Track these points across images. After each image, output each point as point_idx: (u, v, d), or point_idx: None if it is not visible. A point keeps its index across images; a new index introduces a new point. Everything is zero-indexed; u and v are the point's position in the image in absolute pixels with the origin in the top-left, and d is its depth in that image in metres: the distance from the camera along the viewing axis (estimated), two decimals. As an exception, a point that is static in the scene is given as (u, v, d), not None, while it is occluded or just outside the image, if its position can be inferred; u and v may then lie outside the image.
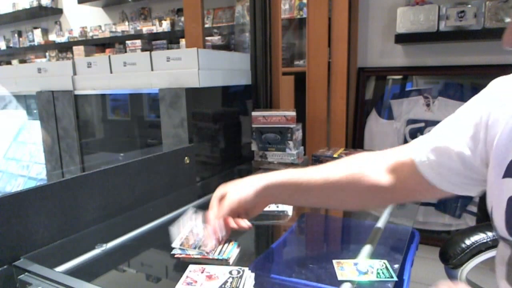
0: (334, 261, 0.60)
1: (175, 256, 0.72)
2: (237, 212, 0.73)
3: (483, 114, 0.60)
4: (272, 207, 0.96)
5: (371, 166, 0.72)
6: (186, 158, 1.19)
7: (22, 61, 4.20)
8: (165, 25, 3.03)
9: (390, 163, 0.72)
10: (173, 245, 0.74)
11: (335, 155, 1.35)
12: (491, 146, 0.58)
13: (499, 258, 0.63)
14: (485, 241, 0.99)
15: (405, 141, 1.80)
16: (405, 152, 0.70)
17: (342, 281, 0.55)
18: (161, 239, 0.89)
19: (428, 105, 1.74)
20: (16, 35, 4.18)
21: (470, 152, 0.60)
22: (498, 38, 1.70)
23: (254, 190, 0.72)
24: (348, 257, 0.70)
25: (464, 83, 1.67)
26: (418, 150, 0.67)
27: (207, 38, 2.65)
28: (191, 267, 0.65)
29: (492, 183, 0.59)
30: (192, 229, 0.76)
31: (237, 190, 0.73)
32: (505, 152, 0.56)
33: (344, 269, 0.58)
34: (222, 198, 0.74)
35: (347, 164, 0.75)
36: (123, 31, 3.28)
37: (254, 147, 1.44)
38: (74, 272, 0.69)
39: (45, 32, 4.00)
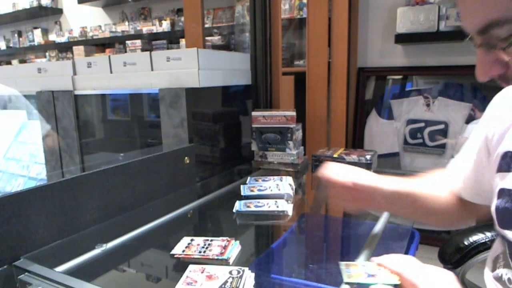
0: (342, 263, 0.59)
1: (175, 256, 0.72)
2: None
3: (488, 131, 0.63)
4: (272, 207, 0.96)
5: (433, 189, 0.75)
6: (186, 158, 1.19)
7: (22, 61, 4.20)
8: (165, 25, 3.03)
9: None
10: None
11: (335, 155, 1.35)
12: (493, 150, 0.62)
13: (490, 255, 0.66)
14: (484, 241, 0.99)
15: (405, 141, 1.80)
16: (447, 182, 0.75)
17: (348, 283, 0.55)
18: (161, 239, 0.89)
19: (428, 105, 1.74)
20: (16, 35, 4.18)
21: (486, 164, 0.64)
22: (498, 38, 1.67)
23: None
24: (348, 257, 0.70)
25: (464, 83, 1.67)
26: (454, 180, 0.73)
27: (207, 38, 2.65)
28: (191, 267, 0.65)
29: (490, 180, 0.62)
30: None
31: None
32: (497, 149, 0.59)
33: (351, 271, 0.57)
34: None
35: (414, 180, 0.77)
36: (123, 31, 3.28)
37: (254, 147, 1.45)
38: (74, 272, 0.69)
39: (45, 32, 4.00)
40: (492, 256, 0.65)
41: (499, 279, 0.60)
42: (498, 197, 0.58)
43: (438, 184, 0.76)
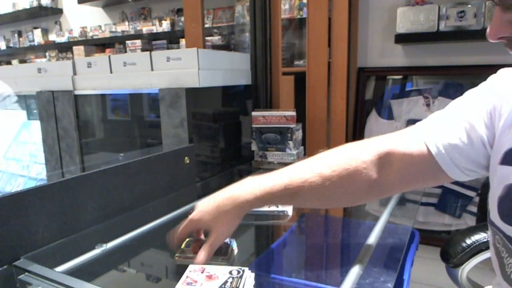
0: None
1: (175, 257, 0.72)
2: None
3: (496, 102, 0.61)
4: (272, 207, 0.96)
5: (361, 158, 0.66)
6: (186, 158, 1.19)
7: (22, 61, 4.20)
8: (165, 25, 3.03)
9: (382, 153, 0.67)
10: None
11: (335, 155, 1.34)
12: (497, 133, 0.60)
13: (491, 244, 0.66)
14: (485, 240, 0.99)
15: (405, 141, 1.80)
16: (403, 140, 0.67)
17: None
18: (161, 239, 0.89)
19: (428, 105, 1.74)
20: (16, 35, 4.18)
21: (486, 138, 0.61)
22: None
23: (236, 224, 0.69)
24: (348, 257, 0.70)
25: (464, 83, 1.67)
26: (433, 139, 0.64)
27: (207, 38, 2.65)
28: (191, 267, 0.65)
29: (491, 168, 0.62)
30: None
31: (222, 233, 0.68)
32: (503, 140, 0.58)
33: None
34: (199, 232, 0.72)
35: (335, 159, 0.68)
36: (123, 31, 3.28)
37: (254, 147, 1.44)
38: (74, 272, 0.69)
39: (45, 32, 4.00)
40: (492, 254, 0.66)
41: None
42: (503, 192, 0.57)
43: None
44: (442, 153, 0.63)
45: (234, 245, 0.74)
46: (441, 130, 0.65)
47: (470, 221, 1.67)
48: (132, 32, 3.20)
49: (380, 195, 0.70)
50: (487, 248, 0.99)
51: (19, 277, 0.68)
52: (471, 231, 1.04)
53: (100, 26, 3.52)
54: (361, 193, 0.68)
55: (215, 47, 2.70)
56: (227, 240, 0.75)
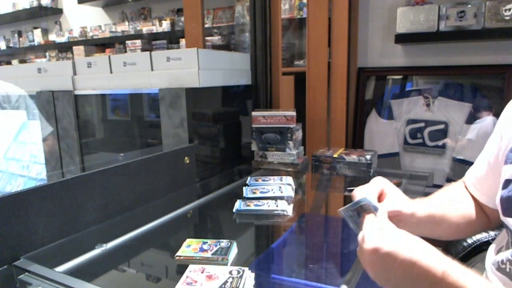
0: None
1: (175, 256, 0.72)
2: None
3: (503, 132, 0.68)
4: (272, 207, 0.96)
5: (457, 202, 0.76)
6: (186, 158, 1.19)
7: (22, 61, 4.20)
8: (165, 25, 3.03)
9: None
10: None
11: (335, 155, 1.35)
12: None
13: (494, 247, 0.69)
14: (487, 239, 0.99)
15: (405, 141, 1.80)
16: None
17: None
18: (161, 239, 0.89)
19: (428, 105, 1.74)
20: (16, 35, 4.18)
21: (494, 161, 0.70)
22: (498, 38, 1.70)
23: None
24: (348, 257, 0.70)
25: (464, 83, 1.67)
26: (466, 177, 0.78)
27: (207, 38, 2.65)
28: (191, 267, 0.65)
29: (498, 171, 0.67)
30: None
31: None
32: (507, 143, 0.64)
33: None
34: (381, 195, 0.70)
35: (441, 199, 0.77)
36: (123, 31, 3.28)
37: (254, 147, 1.44)
38: (74, 272, 0.69)
39: (45, 32, 4.00)
40: (495, 249, 0.67)
41: (500, 268, 0.61)
42: (503, 188, 0.61)
43: (460, 198, 0.77)
44: (472, 186, 0.75)
45: (234, 245, 0.74)
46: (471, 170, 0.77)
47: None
48: (132, 32, 3.20)
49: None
50: (488, 247, 1.00)
51: (19, 277, 0.68)
52: (472, 231, 1.04)
53: (100, 26, 3.52)
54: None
55: (215, 47, 2.70)
56: (227, 240, 0.75)
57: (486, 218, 0.74)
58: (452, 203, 0.75)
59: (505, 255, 0.61)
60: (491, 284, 0.48)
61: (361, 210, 0.62)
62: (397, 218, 0.66)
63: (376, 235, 0.54)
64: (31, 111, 1.71)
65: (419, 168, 1.76)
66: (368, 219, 0.59)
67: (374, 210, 0.61)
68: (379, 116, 1.86)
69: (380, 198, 0.67)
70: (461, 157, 1.66)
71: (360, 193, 0.64)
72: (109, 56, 1.43)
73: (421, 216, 0.69)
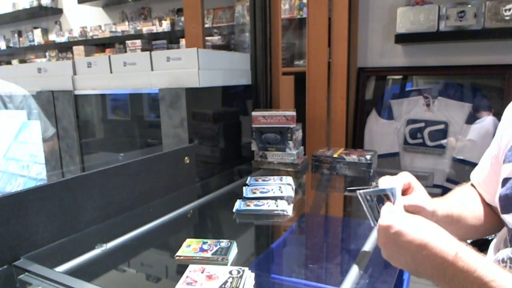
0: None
1: (175, 256, 0.72)
2: None
3: (502, 133, 0.70)
4: (271, 206, 0.96)
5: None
6: (186, 158, 1.19)
7: (22, 61, 4.20)
8: (165, 25, 3.03)
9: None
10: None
11: (335, 155, 1.35)
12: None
13: (494, 244, 0.71)
14: (486, 238, 0.99)
15: (405, 141, 1.81)
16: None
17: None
18: (161, 239, 0.89)
19: (428, 105, 1.74)
20: (16, 35, 4.18)
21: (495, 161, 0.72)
22: (498, 38, 1.70)
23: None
24: (348, 257, 0.70)
25: (464, 83, 1.67)
26: (473, 179, 0.81)
27: (207, 38, 2.65)
28: (191, 267, 0.65)
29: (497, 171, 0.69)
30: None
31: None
32: (506, 142, 0.66)
33: None
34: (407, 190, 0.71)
35: (457, 199, 0.79)
36: (123, 31, 3.27)
37: (254, 147, 1.44)
38: (74, 272, 0.69)
39: (45, 32, 4.00)
40: (495, 247, 0.67)
41: (499, 262, 0.61)
42: (502, 186, 0.62)
43: (474, 199, 0.79)
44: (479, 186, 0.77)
45: (234, 245, 0.74)
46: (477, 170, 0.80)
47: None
48: (132, 32, 3.20)
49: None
50: (488, 247, 0.99)
51: (19, 277, 0.68)
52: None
53: (100, 26, 3.52)
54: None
55: (215, 47, 2.70)
56: (227, 240, 0.75)
57: (497, 218, 0.75)
58: (467, 204, 0.77)
59: (505, 253, 0.61)
60: (503, 270, 0.49)
61: (381, 197, 0.63)
62: (420, 214, 0.66)
63: (393, 215, 0.58)
64: (31, 111, 1.71)
65: (419, 168, 1.77)
66: (389, 205, 0.63)
67: (395, 201, 0.62)
68: (379, 116, 1.86)
69: (404, 192, 0.69)
70: (461, 157, 1.66)
71: (387, 182, 0.66)
72: (109, 56, 1.43)
73: (440, 215, 0.70)
